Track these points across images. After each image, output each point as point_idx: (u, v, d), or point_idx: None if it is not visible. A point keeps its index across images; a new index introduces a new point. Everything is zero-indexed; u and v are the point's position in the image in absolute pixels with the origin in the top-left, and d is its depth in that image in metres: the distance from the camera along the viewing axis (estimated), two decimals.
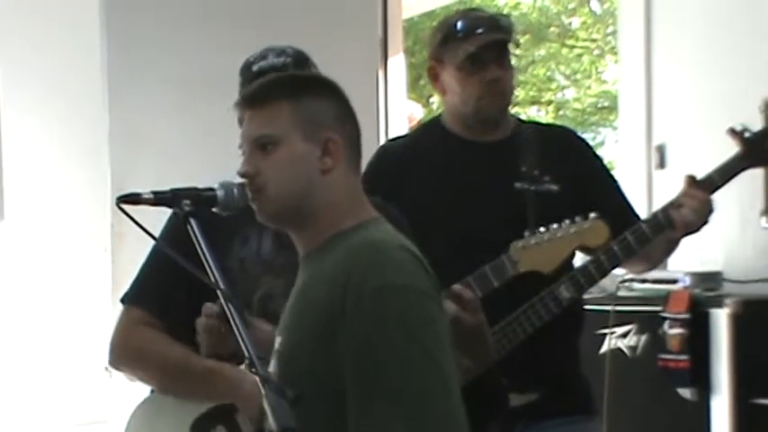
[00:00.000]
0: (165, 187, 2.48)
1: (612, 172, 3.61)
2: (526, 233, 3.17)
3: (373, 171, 3.41)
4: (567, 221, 3.16)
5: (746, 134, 3.43)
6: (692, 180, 3.36)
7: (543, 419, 3.38)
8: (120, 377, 3.14)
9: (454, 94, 3.44)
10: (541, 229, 3.16)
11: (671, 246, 3.43)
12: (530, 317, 3.30)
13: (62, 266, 5.86)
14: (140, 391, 3.10)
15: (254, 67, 2.98)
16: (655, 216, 3.35)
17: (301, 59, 3.02)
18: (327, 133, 2.39)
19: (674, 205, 3.33)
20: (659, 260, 3.53)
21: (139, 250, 3.08)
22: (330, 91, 2.46)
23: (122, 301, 3.08)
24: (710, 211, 3.34)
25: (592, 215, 3.17)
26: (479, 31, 3.38)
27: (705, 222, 3.34)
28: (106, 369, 3.17)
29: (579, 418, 3.45)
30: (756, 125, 4.19)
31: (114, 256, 5.06)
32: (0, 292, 5.85)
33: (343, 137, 2.41)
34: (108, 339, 3.06)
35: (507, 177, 3.40)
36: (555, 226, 3.16)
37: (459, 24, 3.41)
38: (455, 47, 3.38)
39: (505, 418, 3.33)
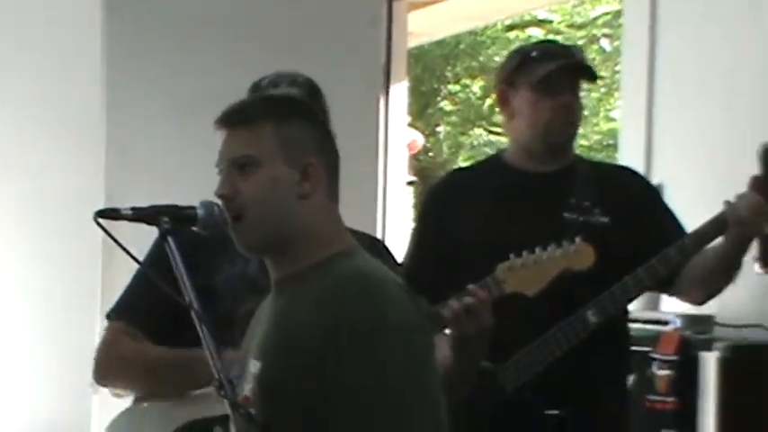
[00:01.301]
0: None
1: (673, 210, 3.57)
2: (512, 255, 3.15)
3: (430, 197, 3.59)
4: (554, 245, 3.14)
5: None
6: (754, 181, 3.32)
7: None
8: (106, 393, 3.12)
9: (523, 117, 3.47)
10: (526, 252, 3.15)
11: (728, 265, 3.35)
12: (558, 340, 3.32)
13: (53, 282, 5.83)
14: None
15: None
16: (680, 242, 3.32)
17: (313, 91, 3.00)
18: (308, 158, 2.38)
19: (727, 203, 3.30)
20: (718, 283, 3.45)
21: (130, 267, 3.06)
22: (313, 117, 2.45)
23: (107, 316, 3.07)
24: (766, 218, 3.27)
25: (578, 239, 3.15)
26: (555, 58, 3.44)
27: (760, 228, 3.27)
28: (91, 386, 3.15)
29: None
30: (753, 169, 4.19)
31: (104, 273, 5.04)
32: None
33: (322, 163, 2.39)
34: (93, 356, 3.06)
35: (556, 208, 3.43)
36: (540, 249, 3.14)
37: (536, 50, 3.49)
38: (531, 68, 3.43)
39: None
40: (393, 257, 3.11)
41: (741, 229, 3.25)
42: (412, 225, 3.68)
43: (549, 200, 3.46)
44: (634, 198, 3.50)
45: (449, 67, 15.22)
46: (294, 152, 2.37)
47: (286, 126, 2.39)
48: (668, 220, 3.52)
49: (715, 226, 3.33)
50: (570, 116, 3.46)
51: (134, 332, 3.00)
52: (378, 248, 3.00)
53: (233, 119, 2.42)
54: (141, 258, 3.00)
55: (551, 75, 3.40)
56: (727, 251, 3.31)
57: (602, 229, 3.40)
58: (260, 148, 2.37)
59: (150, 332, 2.98)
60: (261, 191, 2.36)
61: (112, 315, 3.08)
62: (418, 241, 3.58)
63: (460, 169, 3.95)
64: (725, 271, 3.40)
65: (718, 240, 3.38)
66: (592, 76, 3.52)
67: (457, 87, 15.43)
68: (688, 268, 3.40)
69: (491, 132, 15.35)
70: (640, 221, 3.45)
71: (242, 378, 2.37)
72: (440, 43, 13.76)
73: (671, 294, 3.58)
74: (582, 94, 3.51)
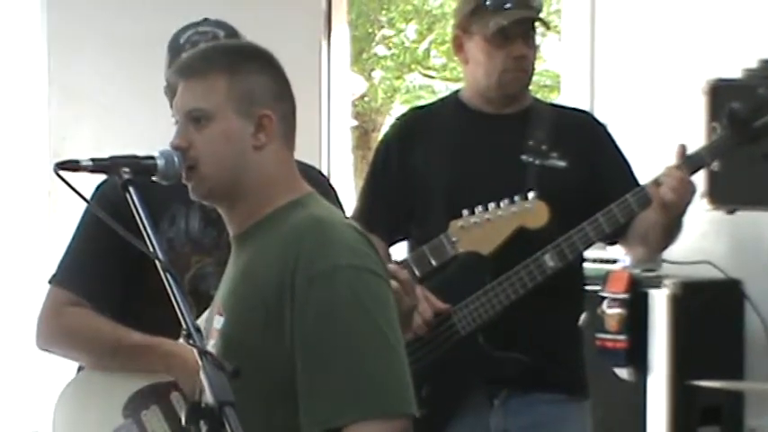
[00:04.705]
0: (103, 153, 2.43)
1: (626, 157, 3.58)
2: (465, 212, 3.15)
3: (389, 137, 3.59)
4: (507, 201, 3.15)
5: (736, 113, 3.36)
6: (681, 153, 3.32)
7: (528, 392, 3.39)
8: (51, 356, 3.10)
9: (478, 65, 3.48)
10: (480, 208, 3.15)
11: (666, 230, 3.36)
12: (514, 283, 3.33)
13: None
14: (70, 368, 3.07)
15: (185, 56, 2.93)
16: (641, 189, 3.33)
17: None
18: (262, 109, 2.36)
19: (654, 183, 3.29)
20: (658, 245, 3.48)
21: (77, 217, 3.05)
22: (267, 64, 2.42)
23: (50, 281, 3.04)
24: (692, 191, 3.29)
25: (531, 195, 3.16)
26: (508, 5, 3.43)
27: (688, 203, 3.28)
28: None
29: (565, 398, 3.46)
30: (700, 107, 4.22)
31: (51, 223, 5.00)
32: None
33: (277, 113, 2.38)
34: (35, 320, 3.04)
35: (514, 150, 3.45)
36: (494, 205, 3.14)
37: None
38: (486, 18, 3.42)
39: (489, 384, 3.35)
40: (337, 196, 3.11)
41: (667, 211, 3.27)
42: (367, 165, 3.68)
43: (506, 142, 3.47)
44: (591, 143, 3.52)
45: (383, 12, 15.15)
46: (248, 104, 2.36)
47: (240, 78, 2.37)
48: (623, 167, 3.53)
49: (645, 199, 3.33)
50: (524, 65, 3.47)
51: (77, 300, 2.97)
52: (326, 186, 3.00)
53: (187, 70, 2.40)
54: (81, 217, 3.01)
55: (505, 27, 3.40)
56: (663, 223, 3.33)
57: (559, 173, 3.42)
58: (213, 102, 2.35)
59: (93, 299, 2.95)
60: (214, 144, 2.35)
61: (56, 281, 3.03)
62: (377, 180, 3.59)
63: (418, 108, 3.95)
64: (664, 237, 3.42)
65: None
66: (546, 23, 3.53)
67: (391, 32, 15.38)
68: (634, 224, 3.41)
69: (426, 76, 15.33)
70: (596, 167, 3.47)
71: (206, 335, 2.36)
72: None
73: (621, 245, 3.60)
74: (537, 40, 3.51)
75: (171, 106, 2.85)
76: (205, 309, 2.75)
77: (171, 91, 2.88)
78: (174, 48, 3.00)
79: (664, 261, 4.46)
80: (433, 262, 3.24)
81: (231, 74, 2.36)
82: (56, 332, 3.00)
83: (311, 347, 2.23)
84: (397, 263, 3.16)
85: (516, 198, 3.15)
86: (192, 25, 3.03)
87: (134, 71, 4.99)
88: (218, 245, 2.88)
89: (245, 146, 2.35)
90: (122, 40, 5.10)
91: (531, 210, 3.14)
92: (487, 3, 3.44)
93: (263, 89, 2.38)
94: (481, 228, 3.14)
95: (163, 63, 3.04)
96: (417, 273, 3.22)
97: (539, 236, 3.23)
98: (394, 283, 2.75)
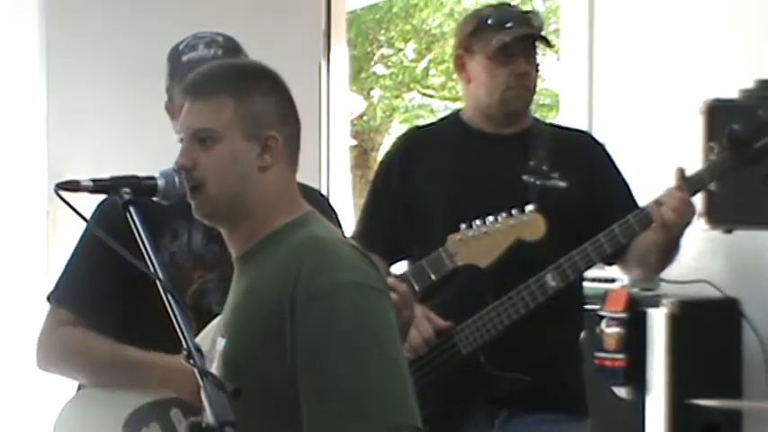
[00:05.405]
0: (102, 175, 2.44)
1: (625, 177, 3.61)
2: (463, 226, 3.17)
3: (390, 157, 3.63)
4: (504, 214, 3.16)
5: (736, 134, 3.39)
6: (680, 176, 3.35)
7: (528, 412, 3.41)
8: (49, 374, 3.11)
9: (480, 84, 3.50)
10: (478, 221, 3.16)
11: (665, 251, 3.39)
12: (515, 303, 3.35)
13: None
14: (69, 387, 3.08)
15: (184, 58, 2.96)
16: (642, 210, 3.35)
17: (233, 49, 2.99)
18: (268, 131, 2.37)
19: (656, 203, 3.32)
20: (656, 266, 3.51)
21: (75, 237, 3.05)
22: (274, 86, 2.43)
23: (48, 299, 3.05)
24: (693, 212, 3.32)
25: (529, 208, 3.17)
26: (509, 24, 3.46)
27: (688, 223, 3.31)
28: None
29: (565, 418, 3.47)
30: (697, 127, 4.24)
31: (49, 243, 5.01)
32: None
33: (283, 135, 2.39)
34: (35, 340, 3.05)
35: (515, 170, 3.47)
36: (492, 219, 3.15)
37: (492, 16, 3.50)
38: (487, 36, 3.45)
39: (490, 404, 3.37)
40: (337, 216, 3.13)
41: (667, 231, 3.30)
42: (367, 184, 3.71)
43: (507, 162, 3.50)
44: (591, 163, 3.54)
45: (382, 31, 15.20)
46: (254, 126, 2.37)
47: (247, 100, 2.38)
48: (622, 187, 3.56)
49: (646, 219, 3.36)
50: (526, 83, 3.49)
51: (75, 320, 2.97)
52: (324, 206, 3.02)
53: (194, 90, 2.41)
54: (81, 235, 3.02)
55: (507, 44, 3.43)
56: (661, 243, 3.36)
57: (559, 194, 3.44)
58: (220, 123, 2.36)
59: (91, 318, 2.96)
60: (220, 164, 2.36)
61: (54, 300, 3.03)
62: (377, 199, 3.62)
63: (419, 127, 3.97)
64: (662, 257, 3.45)
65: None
66: (548, 41, 3.55)
67: (390, 51, 15.43)
68: (633, 245, 3.43)
69: (425, 95, 15.38)
70: (596, 187, 3.49)
71: (209, 357, 2.37)
72: (372, 7, 13.75)
73: (619, 266, 3.63)
74: (538, 58, 3.54)
75: (170, 120, 2.88)
76: (206, 324, 2.77)
77: (172, 106, 2.91)
78: (174, 57, 3.00)
79: (662, 280, 4.46)
80: (432, 276, 3.24)
81: (238, 95, 2.37)
82: (53, 353, 3.00)
83: (313, 364, 2.23)
84: (395, 277, 3.18)
85: (514, 211, 3.16)
86: (198, 41, 3.02)
87: (133, 93, 5.00)
88: (222, 260, 2.88)
89: (250, 167, 2.37)
90: (121, 62, 5.12)
91: (528, 222, 3.15)
92: (489, 22, 3.48)
93: (270, 111, 2.39)
94: (479, 241, 3.15)
95: (161, 85, 3.05)
96: (416, 286, 3.22)
97: (539, 253, 3.24)
98: (393, 296, 2.77)
